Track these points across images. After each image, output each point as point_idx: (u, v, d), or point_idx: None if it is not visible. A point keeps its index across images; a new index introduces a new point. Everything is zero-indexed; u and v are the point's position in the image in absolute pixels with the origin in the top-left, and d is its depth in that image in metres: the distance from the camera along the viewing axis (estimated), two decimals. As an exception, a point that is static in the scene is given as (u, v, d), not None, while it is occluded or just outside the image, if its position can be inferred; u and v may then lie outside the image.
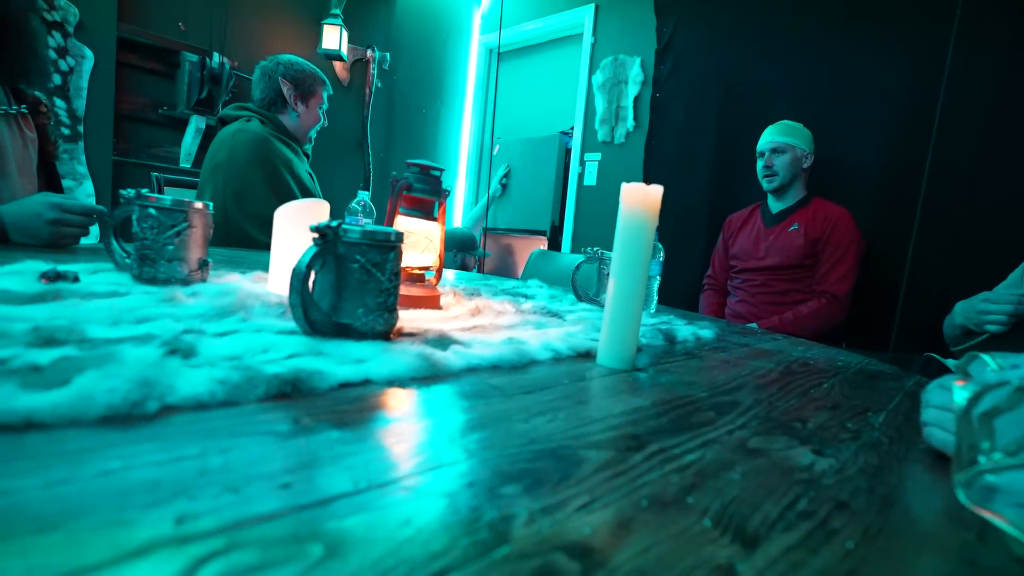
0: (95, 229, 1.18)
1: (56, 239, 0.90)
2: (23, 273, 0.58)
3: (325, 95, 1.70)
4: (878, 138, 1.88)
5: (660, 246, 1.03)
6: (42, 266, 0.60)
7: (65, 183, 2.11)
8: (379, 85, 3.36)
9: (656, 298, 1.05)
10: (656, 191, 0.55)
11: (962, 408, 0.30)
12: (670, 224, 2.39)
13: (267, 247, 0.76)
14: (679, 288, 2.27)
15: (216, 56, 2.53)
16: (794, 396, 0.53)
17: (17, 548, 0.17)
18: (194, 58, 2.50)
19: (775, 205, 1.82)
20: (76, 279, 0.58)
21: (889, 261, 1.82)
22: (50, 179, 1.23)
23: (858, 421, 0.47)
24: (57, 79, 2.16)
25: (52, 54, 2.12)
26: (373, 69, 3.29)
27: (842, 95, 1.96)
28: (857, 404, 0.53)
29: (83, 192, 2.29)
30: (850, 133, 1.93)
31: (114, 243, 0.69)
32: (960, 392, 0.31)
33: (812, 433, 0.42)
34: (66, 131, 2.21)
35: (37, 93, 1.11)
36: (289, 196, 1.46)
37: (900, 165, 1.82)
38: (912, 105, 1.80)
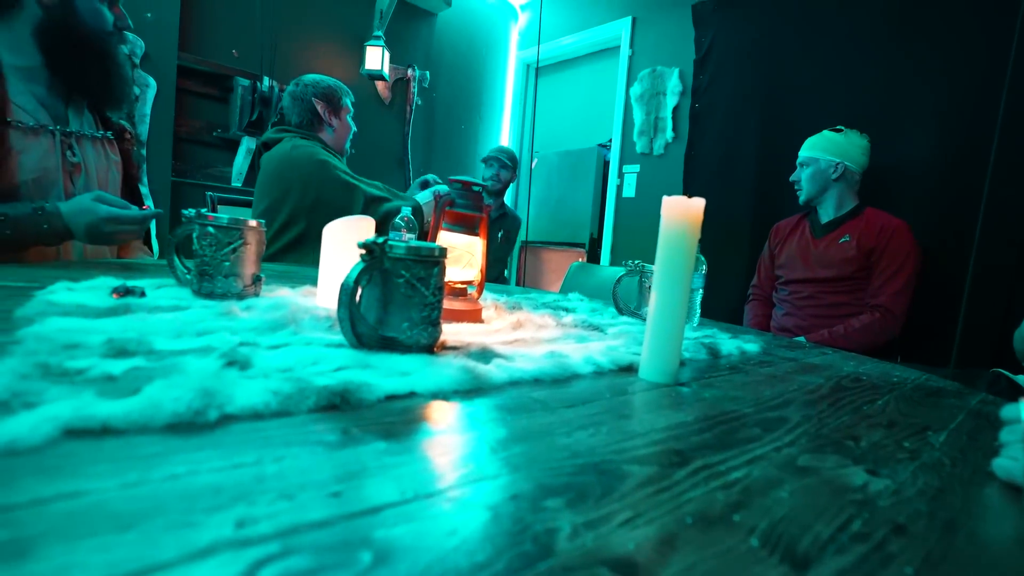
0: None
1: (115, 240, 0.96)
2: (97, 289, 0.62)
3: (350, 103, 1.77)
4: (935, 141, 1.80)
5: (703, 258, 1.01)
6: (113, 282, 0.65)
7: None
8: (419, 103, 3.45)
9: (699, 311, 1.03)
10: (698, 204, 0.54)
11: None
12: (712, 235, 2.33)
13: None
14: (722, 301, 2.22)
15: (266, 80, 2.66)
16: (846, 413, 0.51)
17: (99, 544, 0.19)
18: (246, 82, 2.63)
19: (824, 215, 1.76)
20: (143, 294, 0.62)
21: (949, 270, 1.73)
22: (133, 199, 1.33)
23: (916, 440, 0.45)
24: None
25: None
26: (414, 87, 3.38)
27: (895, 98, 1.89)
28: (915, 422, 0.51)
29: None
30: (904, 138, 1.85)
31: (176, 260, 0.73)
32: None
33: (866, 452, 0.40)
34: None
35: (123, 122, 1.20)
36: (352, 185, 1.59)
37: (960, 169, 1.73)
38: (972, 106, 1.72)
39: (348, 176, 1.61)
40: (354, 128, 1.80)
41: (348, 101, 1.75)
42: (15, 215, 0.87)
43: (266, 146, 1.70)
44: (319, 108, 1.68)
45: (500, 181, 2.58)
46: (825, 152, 1.70)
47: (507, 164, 2.56)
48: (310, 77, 1.71)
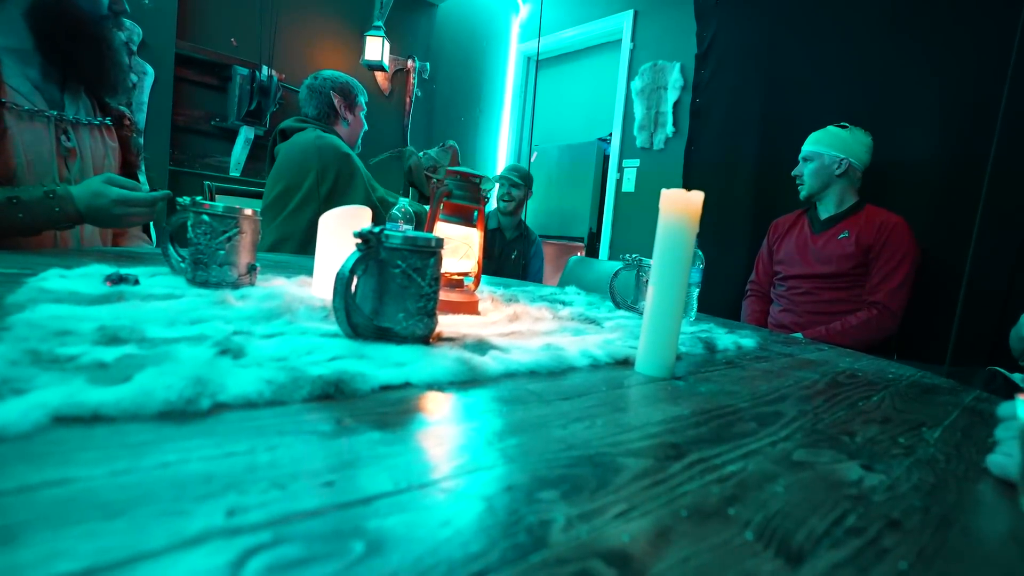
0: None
1: (126, 223, 0.95)
2: (90, 276, 0.62)
3: (364, 102, 1.82)
4: (935, 138, 1.79)
5: (700, 253, 1.01)
6: (106, 269, 0.64)
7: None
8: (419, 94, 3.43)
9: (696, 306, 1.03)
10: (697, 197, 0.54)
11: (1027, 425, 0.29)
12: (711, 231, 2.34)
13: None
14: (720, 296, 2.22)
15: (265, 69, 2.64)
16: (841, 408, 0.51)
17: (87, 531, 0.19)
18: (244, 71, 2.61)
19: (824, 211, 1.76)
20: (136, 282, 0.62)
21: (946, 268, 1.73)
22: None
23: (911, 436, 0.45)
24: (123, 95, 2.30)
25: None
26: (414, 79, 3.36)
27: (896, 94, 1.88)
28: (910, 418, 0.51)
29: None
30: (905, 134, 1.85)
31: (170, 248, 0.73)
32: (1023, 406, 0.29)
33: (861, 447, 0.40)
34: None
35: (122, 108, 1.19)
36: (367, 184, 1.65)
37: (959, 166, 1.73)
38: (972, 105, 1.72)
39: (366, 175, 1.65)
40: (366, 126, 1.85)
41: (363, 99, 1.80)
42: (27, 199, 0.87)
43: (283, 135, 1.71)
44: (335, 101, 1.71)
45: (512, 199, 2.53)
46: (830, 147, 1.70)
47: (517, 183, 2.51)
48: (328, 72, 1.75)
